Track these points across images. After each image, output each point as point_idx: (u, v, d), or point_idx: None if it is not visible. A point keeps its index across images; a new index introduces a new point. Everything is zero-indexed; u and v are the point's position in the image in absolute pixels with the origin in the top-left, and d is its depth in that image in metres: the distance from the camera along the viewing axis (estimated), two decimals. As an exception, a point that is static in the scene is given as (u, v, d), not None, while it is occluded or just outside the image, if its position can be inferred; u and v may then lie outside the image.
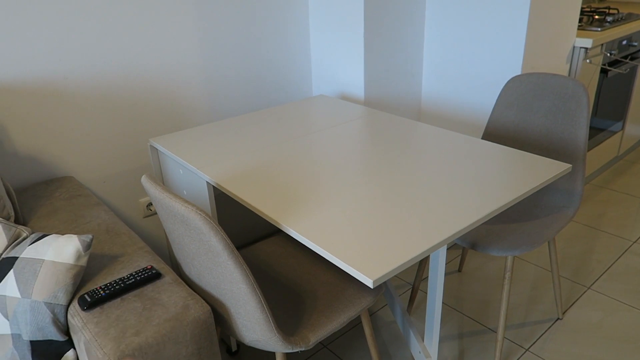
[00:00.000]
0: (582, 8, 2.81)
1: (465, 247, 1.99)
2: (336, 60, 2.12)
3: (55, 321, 1.05)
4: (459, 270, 2.08)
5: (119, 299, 1.05)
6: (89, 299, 1.03)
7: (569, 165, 1.29)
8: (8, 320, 1.07)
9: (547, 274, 2.04)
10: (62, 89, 1.59)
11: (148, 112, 1.80)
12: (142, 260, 1.18)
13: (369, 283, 0.90)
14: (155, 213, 1.94)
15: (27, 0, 1.46)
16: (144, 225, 1.92)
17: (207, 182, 1.39)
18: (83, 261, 1.08)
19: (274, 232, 1.90)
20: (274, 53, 2.10)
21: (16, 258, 1.10)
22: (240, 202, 1.21)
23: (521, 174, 1.27)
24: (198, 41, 1.85)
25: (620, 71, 2.52)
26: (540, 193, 1.72)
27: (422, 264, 1.76)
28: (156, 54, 1.76)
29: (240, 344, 1.74)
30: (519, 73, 1.92)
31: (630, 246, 2.19)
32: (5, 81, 1.48)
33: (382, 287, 1.31)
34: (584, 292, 1.92)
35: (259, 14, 1.99)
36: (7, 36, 1.45)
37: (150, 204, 1.90)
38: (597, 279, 1.99)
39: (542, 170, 1.28)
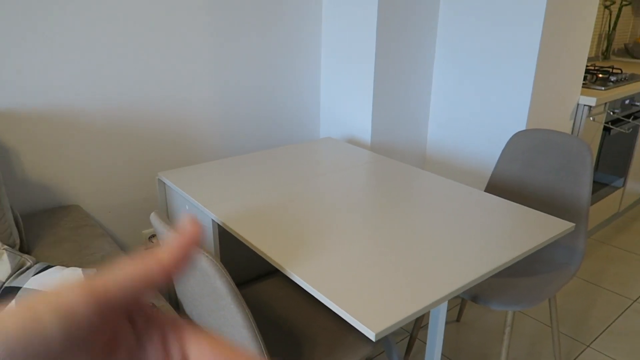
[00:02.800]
0: (586, 66, 2.88)
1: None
2: (345, 105, 2.16)
3: (53, 355, 1.04)
4: (458, 320, 2.07)
5: (118, 336, 1.04)
6: (88, 335, 1.02)
7: (572, 225, 1.31)
8: (5, 351, 1.06)
9: (546, 328, 2.02)
10: (75, 119, 1.63)
11: (158, 145, 1.83)
12: (144, 296, 1.18)
13: (372, 336, 0.90)
14: (157, 245, 1.94)
15: (46, 36, 1.51)
16: (144, 257, 1.92)
17: (212, 220, 1.40)
18: (85, 295, 1.08)
19: (273, 270, 1.89)
20: (285, 94, 2.14)
21: (19, 288, 1.10)
22: (245, 242, 1.22)
23: (525, 230, 1.28)
24: (212, 79, 1.90)
25: (623, 130, 2.57)
26: (542, 248, 1.73)
27: (421, 313, 1.74)
28: (170, 90, 1.80)
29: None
30: (524, 127, 1.96)
31: (631, 305, 2.18)
32: (20, 110, 1.52)
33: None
34: (584, 350, 1.90)
35: (273, 56, 2.05)
36: (25, 68, 1.49)
37: (153, 235, 1.91)
38: (596, 337, 1.97)
39: (546, 227, 1.29)
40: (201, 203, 1.42)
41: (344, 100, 2.17)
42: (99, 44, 1.60)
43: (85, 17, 1.55)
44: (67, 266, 1.22)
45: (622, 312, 2.13)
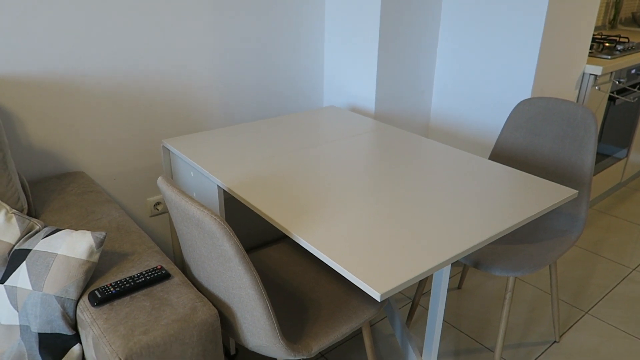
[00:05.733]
0: (593, 35, 2.85)
1: (466, 265, 2.01)
2: (348, 73, 2.15)
3: (65, 315, 1.06)
4: (459, 287, 2.10)
5: (128, 297, 1.07)
6: (99, 295, 1.05)
7: (575, 191, 1.31)
8: (18, 311, 1.09)
9: (546, 295, 2.06)
10: (79, 86, 1.62)
11: (161, 113, 1.83)
12: (152, 259, 1.20)
13: (377, 296, 0.92)
14: (162, 212, 1.96)
15: (50, 1, 1.49)
16: (150, 224, 1.94)
17: (218, 186, 1.41)
18: (95, 257, 1.10)
19: (279, 237, 1.92)
20: (288, 62, 2.12)
21: (29, 250, 1.12)
22: (251, 208, 1.23)
23: (528, 197, 1.29)
24: (214, 47, 1.88)
25: (628, 100, 2.55)
26: (544, 215, 1.74)
27: (423, 279, 1.77)
28: (173, 57, 1.79)
29: (239, 348, 1.75)
30: (529, 96, 1.95)
31: (630, 273, 2.21)
32: (25, 76, 1.51)
33: (385, 301, 1.33)
34: (582, 317, 1.93)
35: (276, 23, 2.03)
36: (30, 33, 1.48)
37: (158, 203, 1.92)
38: (595, 304, 2.00)
39: (549, 194, 1.30)
40: (207, 169, 1.42)
41: (347, 69, 2.15)
42: (101, 11, 1.58)
43: (87, -20, 1.53)
44: (76, 229, 1.23)
45: (621, 281, 2.16)
